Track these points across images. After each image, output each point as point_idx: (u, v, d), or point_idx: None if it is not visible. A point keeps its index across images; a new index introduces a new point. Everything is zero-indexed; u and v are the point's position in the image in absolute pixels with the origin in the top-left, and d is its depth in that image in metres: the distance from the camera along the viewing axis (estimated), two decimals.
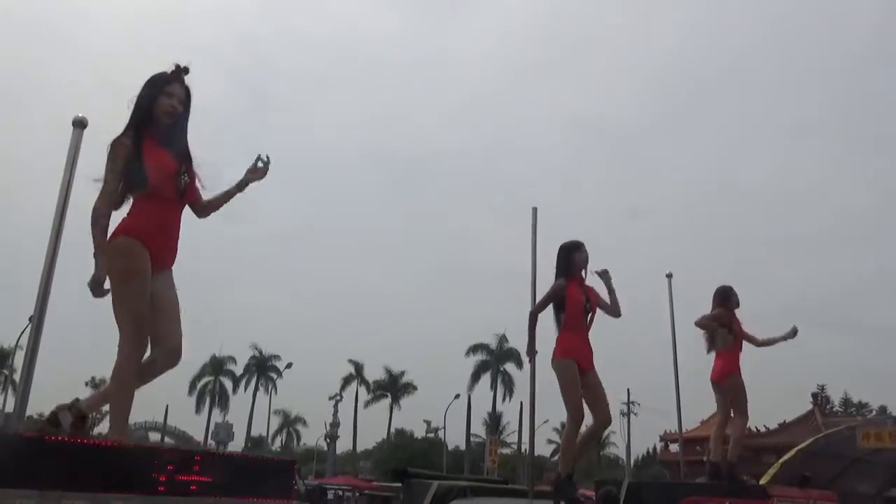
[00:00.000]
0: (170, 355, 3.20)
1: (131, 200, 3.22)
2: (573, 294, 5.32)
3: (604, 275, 5.53)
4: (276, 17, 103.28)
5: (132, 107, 3.28)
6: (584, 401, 5.11)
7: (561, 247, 5.55)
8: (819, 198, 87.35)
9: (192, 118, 3.39)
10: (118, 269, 3.03)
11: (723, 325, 6.09)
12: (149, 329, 3.12)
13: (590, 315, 5.37)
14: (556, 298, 5.35)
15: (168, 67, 3.33)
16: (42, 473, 2.41)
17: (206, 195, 3.52)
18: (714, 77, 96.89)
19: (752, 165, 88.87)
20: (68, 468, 2.47)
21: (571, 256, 5.46)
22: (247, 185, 3.57)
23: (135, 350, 3.04)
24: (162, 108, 3.26)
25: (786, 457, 10.49)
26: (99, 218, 3.08)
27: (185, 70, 3.33)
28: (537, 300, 5.47)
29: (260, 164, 3.58)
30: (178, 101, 3.29)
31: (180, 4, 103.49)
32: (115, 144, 3.15)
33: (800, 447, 10.90)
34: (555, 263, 5.53)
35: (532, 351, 5.30)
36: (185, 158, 3.35)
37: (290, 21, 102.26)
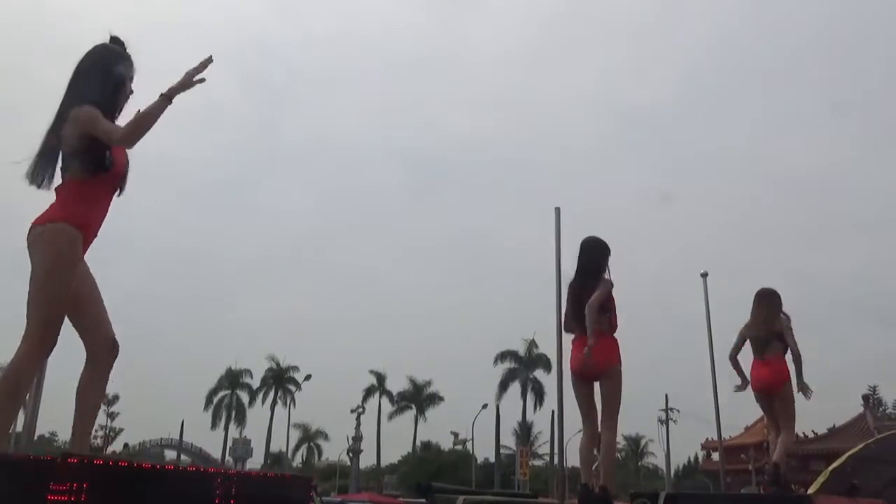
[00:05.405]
0: (109, 349, 3.01)
1: (67, 178, 2.91)
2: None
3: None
4: (292, 20, 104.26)
5: (96, 75, 2.96)
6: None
7: (604, 244, 5.32)
8: (868, 182, 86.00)
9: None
10: (48, 257, 2.74)
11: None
12: (78, 325, 2.95)
13: None
14: (607, 298, 5.14)
15: (119, 39, 3.06)
16: None
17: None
18: (747, 61, 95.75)
19: (791, 149, 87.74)
20: None
21: (607, 260, 5.30)
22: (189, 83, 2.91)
23: (37, 349, 2.76)
24: (126, 90, 3.04)
25: (835, 464, 10.31)
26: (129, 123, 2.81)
27: (124, 43, 3.07)
28: (563, 304, 5.36)
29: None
30: (130, 83, 3.06)
31: (195, 14, 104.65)
32: (91, 111, 2.84)
33: (850, 453, 10.73)
34: (593, 257, 5.28)
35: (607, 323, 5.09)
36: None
37: (306, 22, 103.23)
